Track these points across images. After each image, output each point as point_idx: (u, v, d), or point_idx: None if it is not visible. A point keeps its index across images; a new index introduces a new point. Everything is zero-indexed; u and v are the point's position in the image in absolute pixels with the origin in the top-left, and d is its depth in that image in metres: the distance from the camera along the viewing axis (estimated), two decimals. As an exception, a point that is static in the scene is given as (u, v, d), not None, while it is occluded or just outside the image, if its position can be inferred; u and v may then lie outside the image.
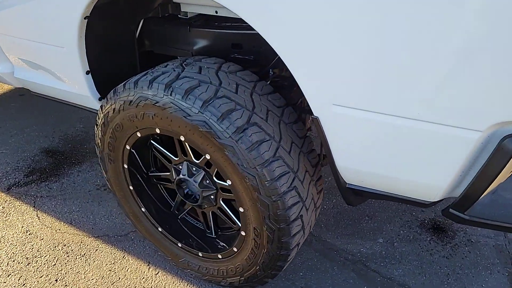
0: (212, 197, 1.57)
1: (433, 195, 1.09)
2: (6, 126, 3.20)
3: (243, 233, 1.46)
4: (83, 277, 1.88)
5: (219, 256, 1.63)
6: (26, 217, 2.27)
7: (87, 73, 1.68)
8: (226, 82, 1.34)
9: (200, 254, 1.69)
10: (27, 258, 2.00)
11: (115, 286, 1.83)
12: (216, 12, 1.59)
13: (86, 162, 2.77)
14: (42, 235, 2.13)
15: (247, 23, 1.63)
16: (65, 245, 2.07)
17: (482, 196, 0.96)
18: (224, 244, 1.66)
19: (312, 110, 1.12)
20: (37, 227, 2.19)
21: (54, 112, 3.39)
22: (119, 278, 1.87)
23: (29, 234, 2.15)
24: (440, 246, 1.97)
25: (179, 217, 1.81)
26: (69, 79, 1.75)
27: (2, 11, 1.74)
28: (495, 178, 0.90)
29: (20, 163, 2.76)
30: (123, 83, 1.45)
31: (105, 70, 1.75)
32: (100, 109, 1.58)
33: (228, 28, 1.65)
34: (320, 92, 1.07)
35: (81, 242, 2.08)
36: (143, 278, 1.86)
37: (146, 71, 1.47)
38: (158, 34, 1.82)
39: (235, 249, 1.54)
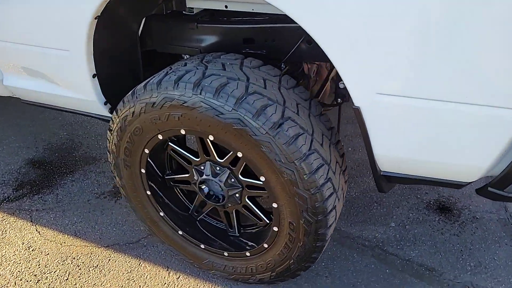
0: (237, 195, 1.56)
1: (472, 176, 1.13)
2: (-21, 138, 3.01)
3: (275, 228, 1.46)
4: (100, 289, 1.81)
5: (248, 254, 1.61)
6: (25, 232, 2.15)
7: (94, 76, 1.60)
8: (253, 78, 1.32)
9: (225, 253, 1.67)
10: (35, 275, 1.89)
11: (136, 295, 1.77)
12: (226, 6, 1.56)
13: (78, 170, 2.65)
14: (46, 250, 2.03)
15: (258, 17, 1.62)
16: (74, 258, 1.98)
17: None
18: (248, 242, 1.65)
19: (354, 100, 1.13)
20: (39, 242, 2.08)
21: (31, 120, 3.22)
22: (140, 286, 1.81)
23: (32, 250, 2.04)
24: (449, 225, 2.05)
25: (198, 219, 1.77)
26: (72, 84, 1.66)
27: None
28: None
29: (6, 177, 2.60)
30: (143, 84, 1.40)
31: (109, 73, 1.68)
32: (115, 114, 1.51)
33: (239, 22, 1.62)
34: (363, 82, 1.08)
35: (91, 253, 2.00)
36: (165, 283, 1.82)
37: (164, 71, 1.42)
38: (162, 32, 1.76)
39: (265, 245, 1.54)
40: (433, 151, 1.12)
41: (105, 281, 1.84)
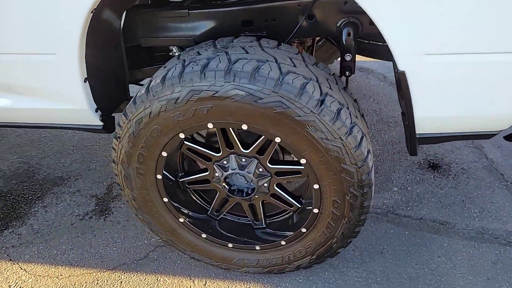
0: (265, 184, 1.49)
1: (504, 124, 1.20)
2: None
3: (315, 210, 1.42)
4: (123, 315, 1.64)
5: (283, 243, 1.56)
6: (8, 274, 1.86)
7: (85, 81, 1.41)
8: (280, 58, 1.26)
9: (257, 247, 1.60)
10: (40, 318, 1.66)
11: (166, 311, 1.63)
12: None
13: (47, 195, 2.36)
14: (43, 287, 1.78)
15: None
16: (79, 289, 1.77)
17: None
18: (280, 231, 1.60)
19: (398, 65, 1.12)
20: (30, 280, 1.82)
21: None
22: (166, 302, 1.67)
23: (25, 291, 1.77)
24: (444, 180, 2.18)
25: (218, 218, 1.68)
26: (58, 93, 1.44)
27: None
28: None
29: (-41, 217, 2.23)
30: (159, 80, 1.26)
31: (97, 75, 1.49)
32: (124, 119, 1.35)
33: (236, 4, 1.53)
34: (411, 45, 1.07)
35: (98, 280, 1.80)
36: (193, 293, 1.70)
37: (175, 64, 1.29)
38: (148, 24, 1.60)
39: (303, 230, 1.50)
40: (472, 105, 1.17)
41: (125, 306, 1.67)
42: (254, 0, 1.53)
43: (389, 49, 1.85)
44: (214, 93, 1.19)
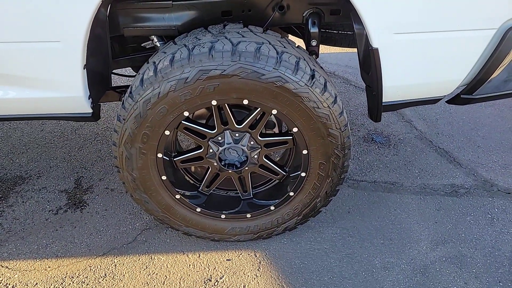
0: (255, 156, 1.68)
1: (450, 89, 1.54)
2: None
3: (303, 174, 1.65)
4: (126, 293, 1.70)
5: (272, 208, 1.76)
6: (-12, 273, 1.80)
7: (84, 67, 1.46)
8: (271, 40, 1.46)
9: (248, 215, 1.78)
10: (37, 308, 1.65)
11: (167, 284, 1.74)
12: None
13: (10, 195, 2.28)
14: (32, 281, 1.76)
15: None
16: (72, 277, 1.78)
17: (489, 79, 1.45)
18: (268, 198, 1.80)
19: (372, 43, 1.39)
20: (16, 277, 1.78)
21: None
22: (166, 276, 1.77)
23: (13, 287, 1.74)
24: (387, 149, 2.57)
25: (208, 193, 1.82)
26: (56, 81, 1.46)
27: None
28: (501, 63, 1.40)
29: None
30: (167, 62, 1.37)
31: (91, 62, 1.55)
32: (130, 101, 1.43)
33: (215, -4, 1.69)
34: (383, 26, 1.35)
35: (90, 266, 1.83)
36: (190, 265, 1.82)
37: (178, 48, 1.41)
38: (132, 14, 1.68)
39: (291, 194, 1.72)
40: (427, 74, 1.49)
41: (124, 285, 1.74)
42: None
43: (346, 37, 2.15)
44: (222, 72, 1.35)
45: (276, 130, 1.74)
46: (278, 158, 1.96)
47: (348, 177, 2.32)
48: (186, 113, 1.47)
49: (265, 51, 1.37)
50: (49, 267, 1.82)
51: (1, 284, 1.74)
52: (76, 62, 1.41)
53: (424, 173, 2.36)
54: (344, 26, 2.20)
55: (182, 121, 1.55)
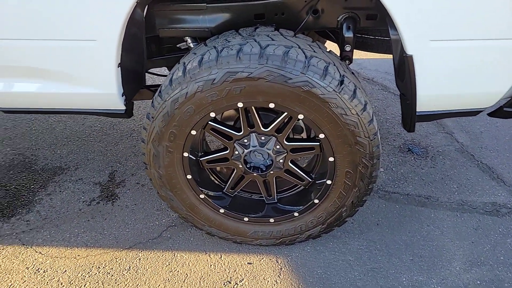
0: (281, 161, 1.66)
1: (492, 101, 1.44)
2: None
3: (329, 182, 1.60)
4: (147, 287, 1.74)
5: (296, 214, 1.73)
6: (24, 257, 1.90)
7: (118, 66, 1.51)
8: (301, 44, 1.43)
9: (271, 220, 1.76)
10: (64, 294, 1.72)
11: (187, 283, 1.75)
12: None
13: (49, 184, 2.40)
14: (62, 268, 1.84)
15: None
16: (99, 267, 1.84)
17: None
18: (294, 204, 1.77)
19: (407, 50, 1.33)
20: (47, 262, 1.87)
21: None
22: (187, 274, 1.79)
23: (44, 272, 1.83)
24: (423, 161, 2.45)
25: (232, 195, 1.82)
26: (91, 78, 1.52)
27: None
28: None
29: (-41, 207, 2.22)
30: (196, 63, 1.39)
31: (126, 61, 1.60)
32: (159, 100, 1.46)
33: (250, -1, 1.68)
34: (418, 31, 1.28)
35: (116, 258, 1.88)
36: (211, 265, 1.83)
37: (208, 50, 1.42)
38: (168, 16, 1.72)
39: (316, 201, 1.67)
40: (466, 85, 1.40)
41: (146, 280, 1.77)
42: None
43: (382, 43, 2.08)
44: (249, 74, 1.34)
45: (304, 135, 1.71)
46: (305, 164, 1.92)
47: (379, 187, 2.24)
48: (212, 114, 1.47)
49: (293, 55, 1.35)
50: (79, 255, 1.90)
51: (33, 268, 1.83)
52: (110, 60, 1.46)
53: (463, 188, 2.22)
54: (381, 32, 2.13)
55: (209, 122, 1.56)
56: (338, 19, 1.66)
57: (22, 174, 2.46)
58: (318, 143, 1.56)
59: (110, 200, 2.25)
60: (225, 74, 1.35)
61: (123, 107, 1.69)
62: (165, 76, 2.31)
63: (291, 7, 1.66)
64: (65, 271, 1.82)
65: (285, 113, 1.49)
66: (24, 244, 1.97)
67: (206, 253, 1.89)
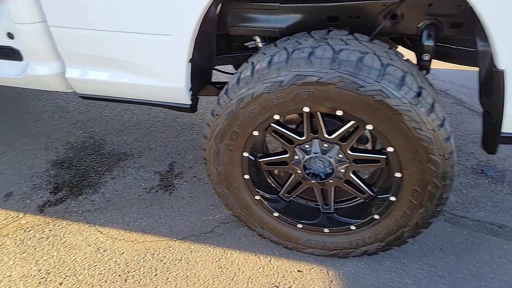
0: (342, 170, 1.59)
1: None
2: (-14, 144, 2.75)
3: (392, 198, 1.51)
4: (196, 280, 1.76)
5: (352, 228, 1.65)
6: (86, 234, 2.02)
7: (190, 61, 1.54)
8: (378, 51, 1.35)
9: (326, 230, 1.70)
10: (119, 275, 1.80)
11: (235, 281, 1.75)
12: None
13: (114, 168, 2.52)
14: (119, 249, 1.93)
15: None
16: (153, 253, 1.90)
17: None
18: (350, 217, 1.69)
19: (498, 64, 1.20)
20: (107, 242, 1.97)
21: (35, 121, 3.03)
22: (235, 273, 1.79)
23: (103, 251, 1.92)
24: (499, 186, 2.23)
25: (288, 199, 1.78)
26: (162, 71, 1.57)
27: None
28: None
29: (35, 181, 2.42)
30: (265, 64, 1.37)
31: (197, 57, 1.62)
32: (225, 98, 1.47)
33: (326, 1, 1.63)
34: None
35: (169, 247, 1.93)
36: (260, 267, 1.81)
37: (278, 51, 1.40)
38: (239, 14, 1.72)
39: (376, 217, 1.58)
40: None
41: (196, 272, 1.80)
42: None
43: (466, 54, 1.92)
44: (319, 79, 1.29)
45: (369, 146, 1.63)
46: (366, 176, 1.83)
47: (446, 209, 2.07)
48: (276, 116, 1.45)
49: (368, 62, 1.27)
50: (136, 240, 1.98)
51: (94, 246, 1.94)
52: (182, 56, 1.49)
53: (544, 221, 1.99)
54: (465, 41, 1.96)
55: (272, 124, 1.53)
56: (419, 26, 1.55)
57: (91, 157, 2.63)
58: (385, 157, 1.47)
59: (168, 190, 2.32)
60: (294, 76, 1.32)
61: (189, 102, 1.72)
62: (230, 74, 2.34)
63: (367, 10, 1.58)
64: (123, 253, 1.91)
65: (352, 122, 1.42)
66: (88, 223, 2.09)
67: (255, 254, 1.87)
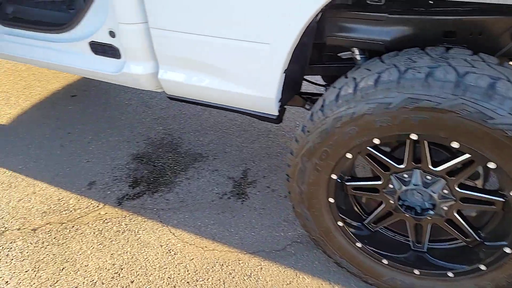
0: (444, 208, 1.38)
1: None
2: (76, 131, 2.91)
3: (508, 250, 1.28)
4: (265, 301, 1.67)
5: (450, 275, 1.44)
6: (159, 234, 2.03)
7: (284, 72, 1.45)
8: (511, 76, 1.14)
9: (416, 272, 1.50)
10: (188, 282, 1.77)
11: (306, 310, 1.63)
12: None
13: (189, 168, 2.52)
14: (189, 255, 1.90)
15: (464, 7, 1.42)
16: (222, 264, 1.85)
17: None
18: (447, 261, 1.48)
19: None
20: (179, 245, 1.96)
21: (120, 112, 3.15)
22: (307, 300, 1.67)
23: (174, 254, 1.91)
24: None
25: (373, 230, 1.61)
26: (254, 80, 1.50)
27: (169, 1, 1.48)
28: None
29: (117, 173, 2.50)
30: (372, 81, 1.23)
31: (291, 67, 1.52)
32: (320, 114, 1.35)
33: (441, 13, 1.43)
34: None
35: (239, 260, 1.86)
36: (334, 299, 1.66)
37: (386, 68, 1.24)
38: (340, 24, 1.58)
39: (482, 267, 1.36)
40: None
41: (265, 293, 1.71)
42: (465, 10, 1.42)
43: None
44: (437, 105, 1.12)
45: (479, 183, 1.40)
46: (473, 213, 1.59)
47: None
48: (376, 141, 1.30)
49: (501, 90, 1.07)
50: (206, 247, 1.94)
51: (166, 247, 1.94)
52: (278, 66, 1.40)
53: None
54: None
55: (368, 147, 1.38)
56: None
57: (169, 154, 2.66)
58: (503, 200, 1.25)
59: (240, 198, 2.27)
60: (406, 99, 1.16)
61: (276, 113, 1.64)
62: (317, 84, 2.21)
63: (492, 27, 1.36)
64: (192, 259, 1.88)
65: (467, 155, 1.22)
66: (161, 222, 2.11)
67: (330, 283, 1.73)
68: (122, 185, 2.39)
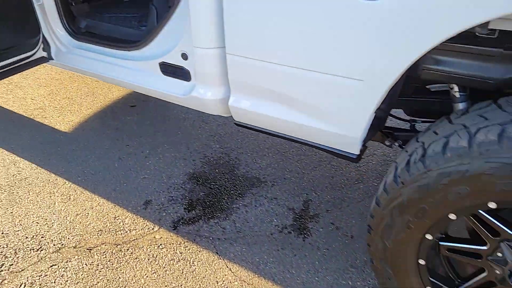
0: None
1: None
2: (134, 144, 2.88)
3: None
4: None
5: None
6: (215, 267, 1.90)
7: (375, 111, 1.26)
8: None
9: None
10: (245, 330, 1.61)
11: None
12: None
13: (247, 194, 2.39)
14: (247, 296, 1.75)
15: None
16: (283, 313, 1.68)
17: None
18: None
19: None
20: (236, 283, 1.82)
21: (177, 127, 3.09)
22: None
23: (230, 293, 1.77)
24: None
25: (467, 299, 1.37)
26: (339, 117, 1.34)
27: (251, 26, 1.35)
28: None
29: (172, 193, 2.41)
30: (494, 136, 1.01)
31: (381, 107, 1.33)
32: (419, 165, 1.15)
33: None
34: None
35: (302, 311, 1.68)
36: None
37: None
38: (441, 56, 1.37)
39: None
40: None
41: None
42: None
43: None
44: None
45: None
46: None
47: None
48: (492, 205, 1.07)
49: None
50: (265, 289, 1.79)
51: (222, 285, 1.81)
52: (370, 105, 1.22)
53: None
54: None
55: (480, 210, 1.16)
56: None
57: (226, 176, 2.55)
58: None
59: (302, 233, 2.09)
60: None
61: (358, 152, 1.45)
62: (401, 119, 1.97)
63: None
64: (250, 302, 1.73)
65: None
66: (218, 253, 1.98)
67: None
68: (177, 207, 2.30)
